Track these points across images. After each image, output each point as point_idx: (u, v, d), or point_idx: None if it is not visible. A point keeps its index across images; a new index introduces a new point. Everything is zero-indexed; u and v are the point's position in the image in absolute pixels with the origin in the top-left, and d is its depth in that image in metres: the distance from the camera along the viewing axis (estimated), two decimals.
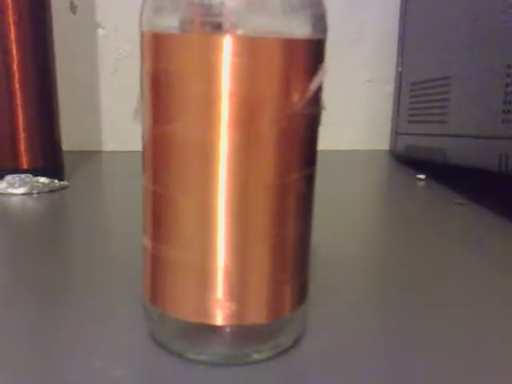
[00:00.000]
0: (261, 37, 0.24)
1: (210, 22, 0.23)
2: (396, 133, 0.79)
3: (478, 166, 0.56)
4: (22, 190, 0.56)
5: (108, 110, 0.78)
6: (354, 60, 0.82)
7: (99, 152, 0.78)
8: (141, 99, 0.27)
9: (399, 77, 0.78)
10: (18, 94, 0.55)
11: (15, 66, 0.55)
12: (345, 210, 0.56)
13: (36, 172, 0.57)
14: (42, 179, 0.57)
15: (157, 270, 0.27)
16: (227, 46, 0.23)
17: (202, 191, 0.25)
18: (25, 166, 0.57)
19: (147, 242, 0.28)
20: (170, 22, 0.24)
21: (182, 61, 0.24)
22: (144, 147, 0.27)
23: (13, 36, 0.54)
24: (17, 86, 0.55)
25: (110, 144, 0.79)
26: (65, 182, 0.59)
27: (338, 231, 0.49)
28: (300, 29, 0.25)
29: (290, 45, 0.24)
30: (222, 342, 0.27)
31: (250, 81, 0.24)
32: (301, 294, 0.29)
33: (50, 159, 0.59)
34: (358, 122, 0.85)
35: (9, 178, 0.56)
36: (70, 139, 0.65)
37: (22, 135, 0.56)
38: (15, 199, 0.55)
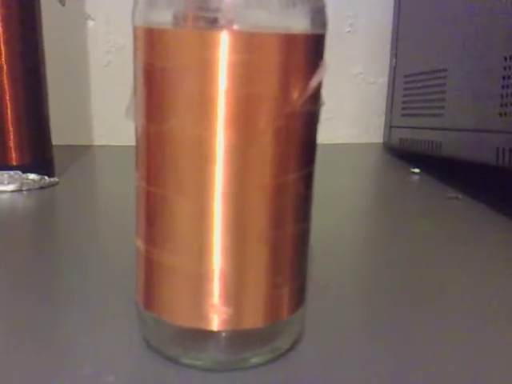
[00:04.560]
0: (259, 32, 0.23)
1: (206, 17, 0.22)
2: (390, 126, 0.78)
3: (475, 159, 0.55)
4: (11, 187, 0.54)
5: (100, 104, 0.77)
6: (346, 52, 0.81)
7: (91, 146, 0.77)
8: (133, 96, 0.26)
9: (393, 69, 0.77)
10: (7, 88, 0.54)
11: (3, 60, 0.53)
12: (338, 204, 0.56)
13: (25, 168, 0.56)
14: (32, 176, 0.56)
15: (151, 274, 0.27)
16: (224, 42, 0.22)
17: (198, 191, 0.25)
18: (14, 163, 0.55)
19: (140, 244, 0.27)
20: (164, 17, 0.24)
21: (177, 57, 0.23)
22: (137, 145, 0.26)
23: (0, 29, 0.53)
24: (5, 80, 0.54)
25: (101, 138, 0.78)
26: (55, 179, 0.58)
27: (332, 226, 0.49)
28: (299, 24, 0.24)
29: (288, 40, 0.23)
30: (219, 347, 0.26)
31: (247, 78, 0.23)
32: (298, 296, 0.28)
33: (39, 155, 0.58)
34: (351, 115, 0.84)
35: None
36: (61, 133, 0.64)
37: (10, 131, 0.55)
38: (4, 196, 0.54)
